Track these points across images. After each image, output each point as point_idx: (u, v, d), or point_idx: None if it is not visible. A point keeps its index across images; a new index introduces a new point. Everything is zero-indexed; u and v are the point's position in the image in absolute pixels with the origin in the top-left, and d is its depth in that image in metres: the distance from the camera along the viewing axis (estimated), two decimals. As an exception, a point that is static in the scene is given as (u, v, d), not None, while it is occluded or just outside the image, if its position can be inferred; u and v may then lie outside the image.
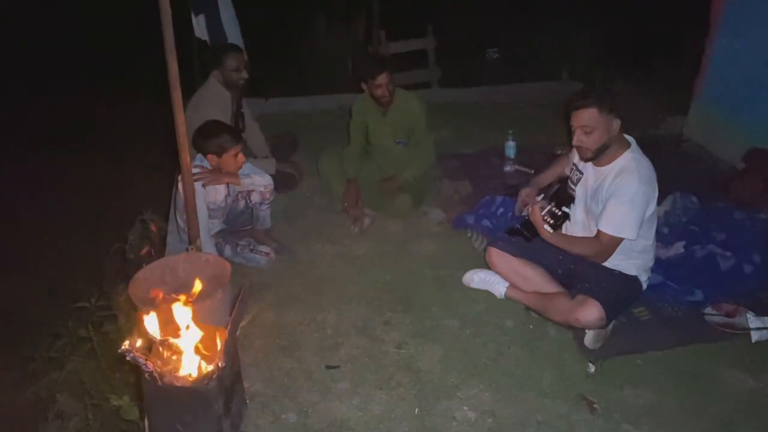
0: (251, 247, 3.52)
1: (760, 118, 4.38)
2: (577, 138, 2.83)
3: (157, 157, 4.82)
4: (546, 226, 2.90)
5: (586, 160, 2.93)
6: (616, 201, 2.82)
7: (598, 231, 2.89)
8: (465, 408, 2.62)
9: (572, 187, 3.13)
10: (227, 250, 3.49)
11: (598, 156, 2.87)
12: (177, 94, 2.73)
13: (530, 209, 2.97)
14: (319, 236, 3.92)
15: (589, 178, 3.01)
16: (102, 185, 5.26)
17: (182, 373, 2.22)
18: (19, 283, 4.07)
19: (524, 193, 3.36)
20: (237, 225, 3.69)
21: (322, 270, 3.60)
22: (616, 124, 2.79)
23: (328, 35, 7.49)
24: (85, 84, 7.40)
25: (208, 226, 3.36)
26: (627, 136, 2.94)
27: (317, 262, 3.67)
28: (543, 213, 2.91)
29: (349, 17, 7.58)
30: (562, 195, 3.06)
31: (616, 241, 2.86)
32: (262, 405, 2.64)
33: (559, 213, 2.92)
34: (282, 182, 4.28)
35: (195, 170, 3.26)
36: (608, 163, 2.89)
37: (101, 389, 2.95)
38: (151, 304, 2.52)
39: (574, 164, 3.13)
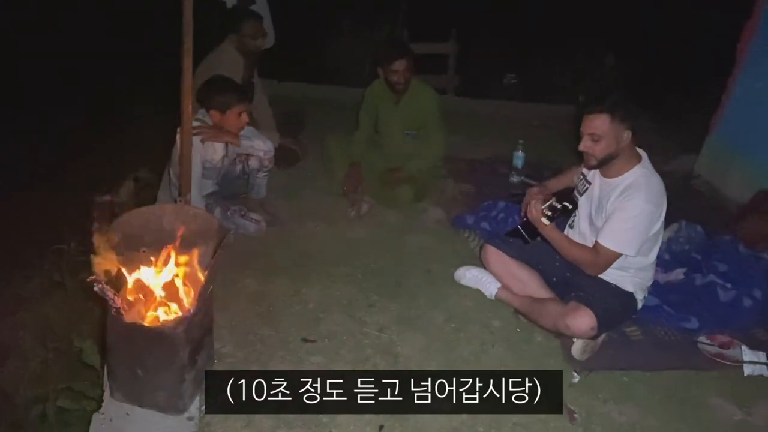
0: (242, 213, 3.42)
1: (773, 160, 4.31)
2: (584, 143, 2.74)
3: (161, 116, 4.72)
4: (543, 219, 2.80)
5: (590, 167, 2.85)
6: (619, 216, 2.72)
7: (597, 243, 2.78)
8: (440, 400, 2.50)
9: (578, 196, 3.04)
10: (218, 212, 3.39)
11: (603, 165, 2.78)
12: (188, 39, 2.65)
13: (530, 205, 2.87)
14: (314, 215, 3.82)
15: (595, 188, 2.92)
16: (104, 142, 5.16)
17: (150, 314, 2.11)
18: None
19: (532, 191, 3.25)
20: (231, 189, 3.59)
21: (313, 247, 3.50)
22: (627, 135, 2.70)
23: (352, 33, 7.46)
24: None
25: (200, 183, 3.26)
26: (640, 150, 2.85)
27: (309, 239, 3.57)
28: (543, 207, 2.81)
29: (374, 18, 7.54)
30: (566, 194, 2.96)
31: (614, 256, 2.76)
32: (230, 367, 2.52)
33: (559, 206, 2.81)
34: (284, 158, 4.20)
35: (195, 124, 3.16)
36: (617, 175, 2.80)
37: (67, 334, 2.84)
38: (131, 246, 2.41)
39: (583, 174, 3.04)
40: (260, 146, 3.38)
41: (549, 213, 2.79)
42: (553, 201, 2.83)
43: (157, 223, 2.81)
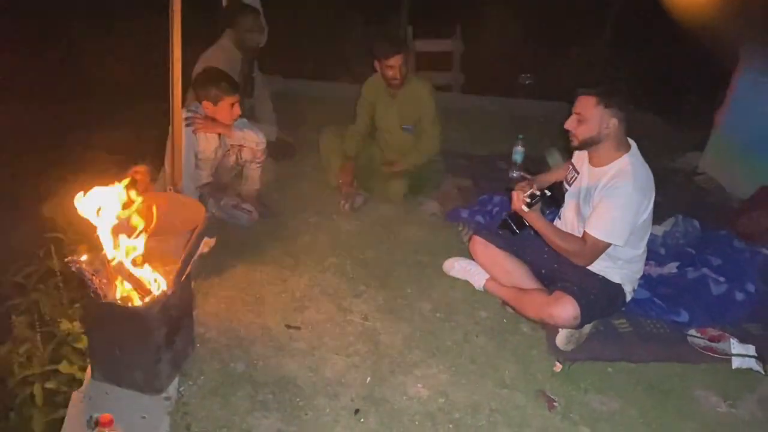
0: (234, 204, 3.47)
1: (776, 156, 4.26)
2: (569, 122, 2.77)
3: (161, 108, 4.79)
4: (523, 206, 2.80)
5: (573, 148, 2.86)
6: (606, 204, 2.71)
7: (585, 233, 2.78)
8: (419, 385, 2.52)
9: (567, 187, 3.04)
10: (210, 203, 3.44)
11: (585, 148, 2.80)
12: (176, 22, 2.69)
13: (513, 195, 2.87)
14: (308, 208, 3.86)
15: (584, 178, 2.92)
16: (109, 135, 5.22)
17: (127, 294, 2.15)
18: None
19: (520, 184, 3.26)
20: (225, 181, 3.63)
21: (304, 238, 3.53)
22: (613, 123, 2.69)
23: (357, 31, 7.52)
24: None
25: (192, 173, 3.31)
26: (630, 140, 2.84)
27: (300, 231, 3.60)
28: (524, 195, 2.82)
29: (385, 18, 7.57)
30: (553, 187, 2.96)
31: (602, 246, 2.75)
32: (213, 351, 2.57)
33: (538, 193, 2.80)
34: (281, 151, 4.24)
35: (188, 115, 3.22)
36: (605, 164, 2.80)
37: (57, 320, 2.89)
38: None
39: (572, 164, 3.05)
40: (253, 137, 3.42)
41: (528, 200, 2.79)
42: (533, 189, 2.83)
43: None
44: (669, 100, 6.63)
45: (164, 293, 2.15)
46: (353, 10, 7.85)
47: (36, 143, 5.06)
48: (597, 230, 2.73)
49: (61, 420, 2.22)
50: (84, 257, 2.10)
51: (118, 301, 2.12)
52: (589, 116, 2.69)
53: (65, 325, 2.63)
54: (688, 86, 6.73)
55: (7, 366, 2.84)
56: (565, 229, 3.00)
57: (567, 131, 2.82)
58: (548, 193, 2.84)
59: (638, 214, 2.72)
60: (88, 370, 2.33)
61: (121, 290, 2.16)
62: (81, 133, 5.10)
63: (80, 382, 2.43)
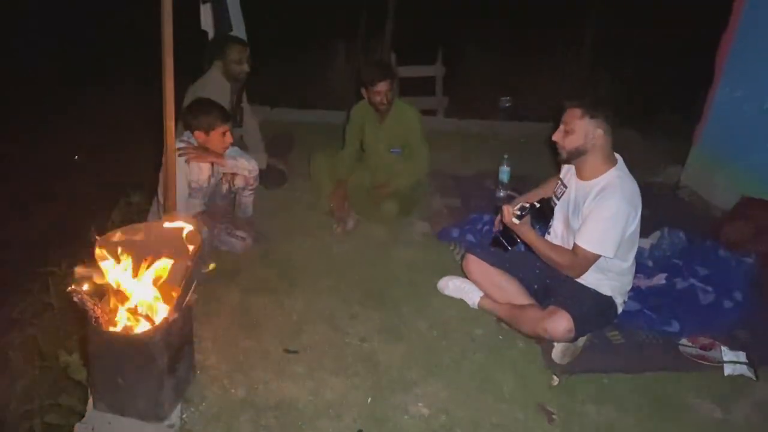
0: (228, 231, 3.49)
1: (756, 167, 4.37)
2: (557, 133, 2.85)
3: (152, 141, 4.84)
4: (514, 218, 2.87)
5: (561, 161, 2.93)
6: (596, 217, 2.78)
7: (575, 245, 2.84)
8: (420, 404, 2.54)
9: (555, 201, 3.11)
10: (204, 231, 3.45)
11: (573, 159, 2.87)
12: (169, 60, 2.74)
13: (504, 210, 2.93)
14: (301, 232, 3.89)
15: (572, 192, 2.99)
16: (99, 167, 5.26)
17: (129, 323, 2.17)
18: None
19: (506, 207, 3.32)
20: (218, 210, 3.66)
21: (298, 262, 3.55)
22: (598, 134, 2.78)
23: (346, 62, 7.65)
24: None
25: (186, 201, 3.34)
26: (616, 154, 2.92)
27: (294, 255, 3.63)
28: (515, 208, 2.88)
29: (368, 47, 7.71)
30: (541, 202, 3.03)
31: (592, 258, 2.81)
32: (213, 377, 2.58)
33: (527, 205, 2.88)
34: (272, 178, 4.27)
35: (180, 145, 3.26)
36: (592, 177, 2.87)
37: (54, 352, 2.90)
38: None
39: (560, 179, 3.12)
40: (245, 165, 3.46)
41: (518, 212, 2.86)
42: (524, 203, 2.90)
43: (144, 240, 2.87)
44: (647, 115, 6.78)
45: (166, 321, 2.17)
46: (337, 38, 7.99)
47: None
48: (587, 242, 2.79)
49: (63, 452, 2.23)
50: (86, 287, 2.11)
51: (120, 330, 2.13)
52: (576, 127, 2.78)
53: (64, 357, 2.63)
54: (665, 101, 6.90)
55: (4, 402, 2.84)
56: (555, 243, 3.07)
57: (554, 143, 2.89)
58: (537, 205, 2.91)
59: (627, 224, 2.79)
60: (90, 400, 2.33)
61: (123, 319, 2.17)
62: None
63: (80, 415, 2.43)
